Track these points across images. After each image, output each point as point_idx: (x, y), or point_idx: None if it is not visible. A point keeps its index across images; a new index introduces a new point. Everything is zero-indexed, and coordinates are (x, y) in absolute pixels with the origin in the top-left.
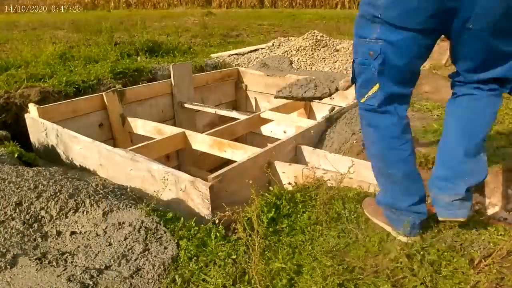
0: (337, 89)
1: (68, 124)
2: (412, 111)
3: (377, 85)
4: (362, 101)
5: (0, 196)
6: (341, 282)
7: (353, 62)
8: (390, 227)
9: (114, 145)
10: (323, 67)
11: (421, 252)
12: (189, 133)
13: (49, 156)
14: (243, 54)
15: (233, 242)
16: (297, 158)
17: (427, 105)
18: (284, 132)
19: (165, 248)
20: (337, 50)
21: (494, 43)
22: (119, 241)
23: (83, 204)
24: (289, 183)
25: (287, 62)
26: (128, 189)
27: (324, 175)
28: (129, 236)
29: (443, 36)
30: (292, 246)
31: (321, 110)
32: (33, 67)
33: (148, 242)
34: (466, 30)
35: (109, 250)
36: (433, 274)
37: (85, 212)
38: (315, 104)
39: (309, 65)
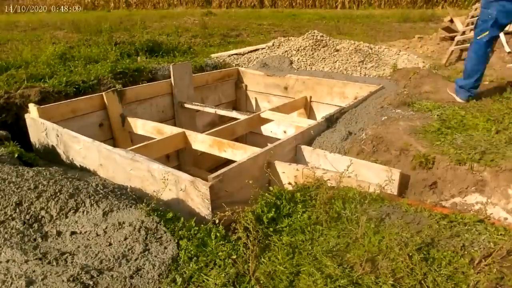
0: None
1: (68, 124)
2: (412, 111)
3: (488, 31)
4: (478, 38)
5: (0, 196)
6: (341, 283)
7: (477, 20)
8: (457, 97)
9: (114, 145)
10: (323, 67)
11: (422, 251)
12: (189, 133)
13: (49, 156)
14: (243, 54)
15: (233, 242)
16: (297, 158)
17: (427, 105)
18: (284, 132)
19: (165, 248)
20: (337, 50)
21: None
22: (119, 241)
23: (83, 204)
24: (289, 183)
25: (287, 62)
26: (128, 189)
27: (324, 175)
28: (129, 236)
29: (445, 35)
30: (292, 246)
31: (321, 110)
32: (33, 67)
33: (148, 242)
34: None
35: (109, 250)
36: (433, 274)
37: (85, 212)
38: (315, 104)
39: (309, 65)
